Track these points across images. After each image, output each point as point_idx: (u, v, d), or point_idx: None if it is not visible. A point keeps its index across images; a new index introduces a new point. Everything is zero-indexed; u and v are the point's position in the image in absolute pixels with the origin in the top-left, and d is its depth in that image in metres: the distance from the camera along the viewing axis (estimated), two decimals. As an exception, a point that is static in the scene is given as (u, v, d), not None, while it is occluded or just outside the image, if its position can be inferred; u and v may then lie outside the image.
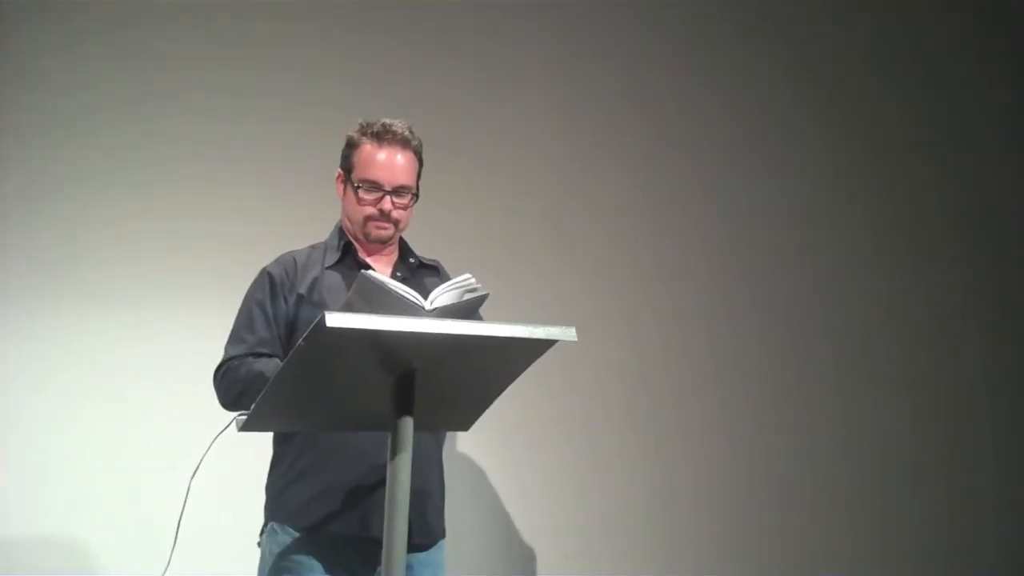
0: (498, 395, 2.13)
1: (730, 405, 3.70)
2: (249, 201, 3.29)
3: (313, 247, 2.54)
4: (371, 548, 2.14)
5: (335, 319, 1.73)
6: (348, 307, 1.99)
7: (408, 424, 1.90)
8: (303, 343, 1.80)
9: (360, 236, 2.50)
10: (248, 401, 2.05)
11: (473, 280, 1.99)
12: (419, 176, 2.51)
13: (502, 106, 3.61)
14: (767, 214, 3.83)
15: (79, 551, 3.07)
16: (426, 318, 1.89)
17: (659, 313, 3.69)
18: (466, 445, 3.35)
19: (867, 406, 3.82)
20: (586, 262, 3.63)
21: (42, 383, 3.10)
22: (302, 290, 2.42)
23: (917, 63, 4.04)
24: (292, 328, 2.39)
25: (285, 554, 2.32)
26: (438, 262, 2.62)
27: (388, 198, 2.45)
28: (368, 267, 2.40)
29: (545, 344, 1.95)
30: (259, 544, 2.41)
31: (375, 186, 2.45)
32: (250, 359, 2.33)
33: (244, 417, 1.98)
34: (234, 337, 2.40)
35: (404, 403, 1.90)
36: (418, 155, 2.50)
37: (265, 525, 2.41)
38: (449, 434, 3.13)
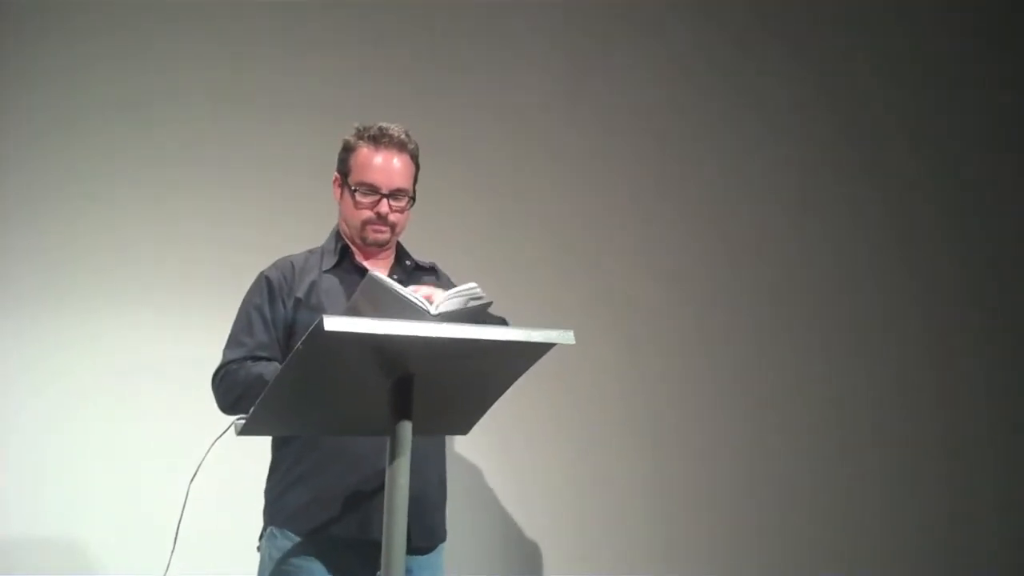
0: (497, 398, 2.13)
1: (729, 406, 3.70)
2: (249, 204, 3.30)
3: (311, 251, 2.54)
4: (371, 551, 2.13)
5: (333, 323, 1.73)
6: (353, 308, 1.99)
7: (407, 428, 1.90)
8: (301, 347, 1.80)
9: (357, 240, 2.50)
10: (247, 405, 2.06)
11: (479, 289, 1.99)
12: (415, 180, 2.52)
13: (498, 110, 3.60)
14: (765, 216, 3.83)
15: (79, 551, 3.07)
16: (429, 322, 1.89)
17: (657, 315, 3.69)
18: (465, 447, 3.35)
19: (866, 406, 3.82)
20: (584, 265, 3.63)
21: (43, 384, 3.10)
22: (300, 294, 2.42)
23: (917, 63, 4.04)
24: (290, 332, 2.39)
25: (285, 558, 2.32)
26: (435, 264, 2.62)
27: (385, 201, 2.45)
28: (365, 271, 2.40)
29: (543, 347, 1.94)
30: (258, 548, 2.42)
31: (372, 189, 2.45)
32: (248, 363, 2.34)
33: (243, 421, 1.99)
34: (232, 341, 2.41)
35: (402, 407, 1.90)
36: (414, 159, 2.51)
37: (264, 529, 2.41)
38: (448, 436, 3.14)
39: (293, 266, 2.48)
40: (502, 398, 2.13)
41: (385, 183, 2.45)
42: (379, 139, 2.46)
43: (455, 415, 2.16)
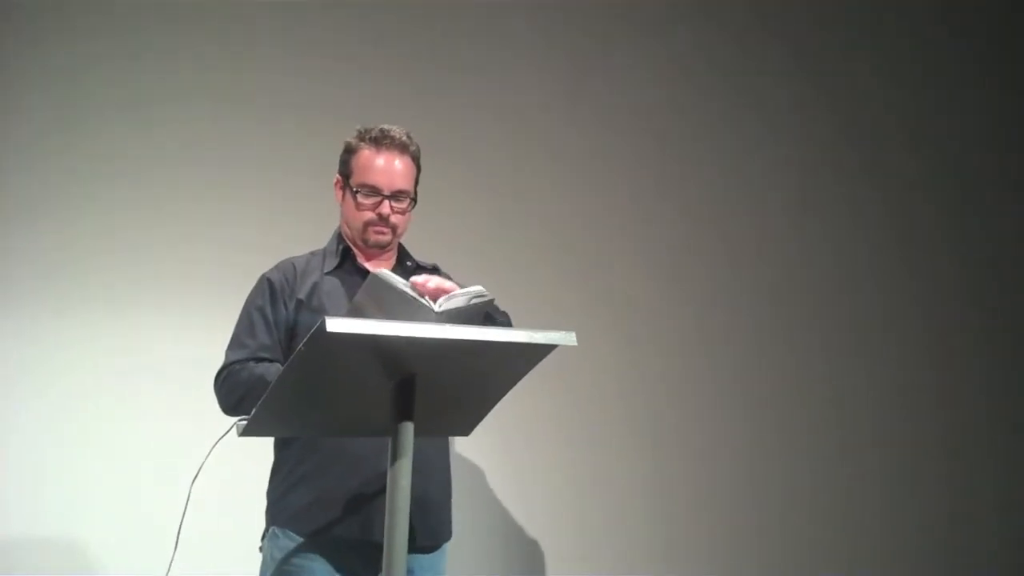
0: (499, 400, 2.13)
1: (729, 406, 3.70)
2: (249, 204, 3.29)
3: (313, 253, 2.55)
4: (373, 552, 2.14)
5: (335, 324, 1.73)
6: (357, 306, 1.99)
7: (408, 429, 1.90)
8: (303, 348, 1.80)
9: (359, 241, 2.51)
10: (249, 406, 2.07)
11: (484, 291, 2.00)
12: (417, 181, 2.53)
13: (498, 110, 3.60)
14: (765, 216, 3.83)
15: (79, 551, 3.07)
16: (433, 319, 1.89)
17: (657, 315, 3.69)
18: (466, 448, 3.35)
19: (866, 406, 3.82)
20: (584, 265, 3.63)
21: (43, 385, 3.10)
22: (301, 296, 2.43)
23: (917, 63, 4.04)
24: (292, 334, 2.40)
25: (287, 558, 2.32)
26: (436, 265, 2.63)
27: (387, 203, 2.46)
28: (367, 272, 2.40)
29: (545, 348, 1.95)
30: (260, 549, 2.42)
31: (373, 191, 2.46)
32: (251, 364, 2.34)
33: (245, 422, 1.99)
34: (235, 342, 2.41)
35: (404, 408, 1.90)
36: (416, 160, 2.51)
37: (266, 530, 2.41)
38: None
39: (295, 268, 2.49)
40: (504, 398, 2.13)
41: (387, 184, 2.46)
42: (380, 141, 2.47)
43: (457, 416, 2.16)
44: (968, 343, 3.94)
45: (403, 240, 2.58)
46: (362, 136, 2.49)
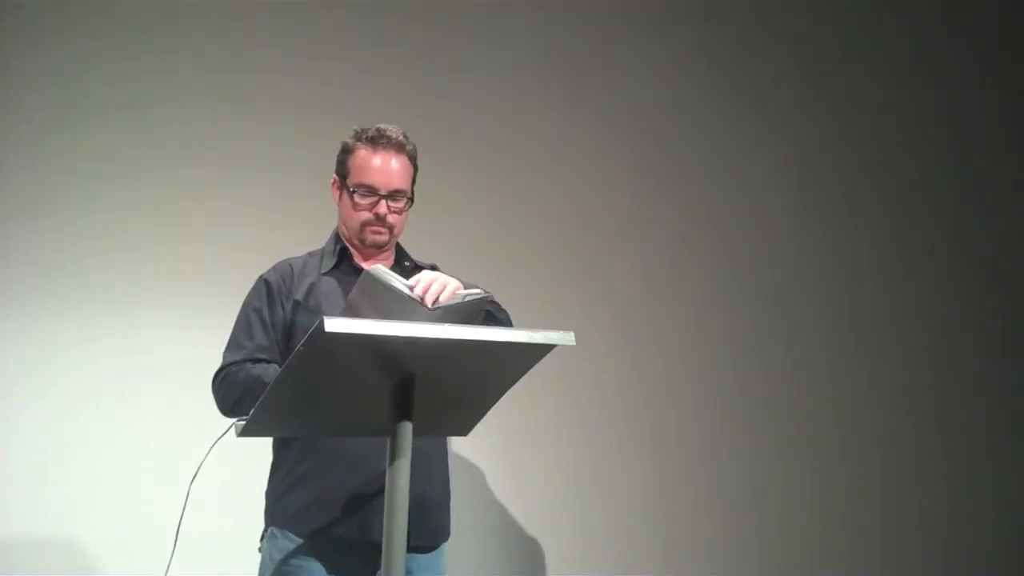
0: (497, 399, 2.13)
1: (729, 406, 3.70)
2: (249, 204, 3.30)
3: (311, 254, 2.55)
4: (372, 551, 2.14)
5: (333, 324, 1.73)
6: (352, 304, 1.99)
7: (407, 429, 1.90)
8: (302, 348, 1.80)
9: (356, 241, 2.51)
10: (247, 406, 2.06)
11: (480, 289, 2.00)
12: (414, 181, 2.53)
13: (498, 110, 3.60)
14: (765, 216, 3.83)
15: (79, 551, 3.07)
16: (427, 317, 1.89)
17: (657, 315, 3.69)
18: (465, 447, 3.34)
19: (866, 406, 3.82)
20: (583, 265, 3.63)
21: (43, 385, 3.10)
22: (299, 296, 2.43)
23: (917, 63, 4.04)
24: (289, 334, 2.40)
25: (286, 559, 2.32)
26: (435, 265, 2.62)
27: (384, 202, 2.46)
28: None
29: (544, 348, 1.95)
30: (259, 549, 2.42)
31: (370, 190, 2.46)
32: (248, 365, 2.34)
33: (244, 422, 1.99)
34: (232, 343, 2.41)
35: (403, 408, 1.90)
36: (412, 160, 2.51)
37: (265, 530, 2.42)
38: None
39: (292, 269, 2.49)
40: (503, 398, 2.13)
41: (383, 184, 2.46)
42: (377, 140, 2.47)
43: (456, 416, 2.16)
44: (968, 343, 3.94)
45: (402, 240, 2.58)
46: (358, 136, 2.49)
